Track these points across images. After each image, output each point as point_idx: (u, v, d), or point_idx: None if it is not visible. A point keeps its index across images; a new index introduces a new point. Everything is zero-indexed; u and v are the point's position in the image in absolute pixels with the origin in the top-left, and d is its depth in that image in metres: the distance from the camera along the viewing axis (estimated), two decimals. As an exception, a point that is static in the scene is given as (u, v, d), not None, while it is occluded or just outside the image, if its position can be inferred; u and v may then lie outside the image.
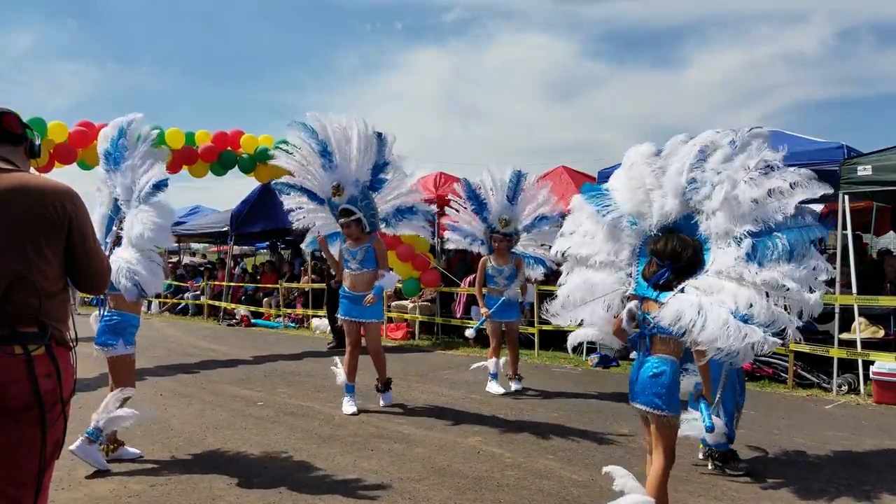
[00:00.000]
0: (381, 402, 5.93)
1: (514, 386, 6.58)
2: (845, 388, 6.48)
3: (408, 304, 10.87)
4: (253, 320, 13.40)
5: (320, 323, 11.72)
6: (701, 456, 4.30)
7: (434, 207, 6.90)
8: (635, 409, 3.20)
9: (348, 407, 5.74)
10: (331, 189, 5.81)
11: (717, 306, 2.92)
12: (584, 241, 3.61)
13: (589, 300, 3.48)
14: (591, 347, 8.52)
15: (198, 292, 15.60)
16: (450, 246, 7.49)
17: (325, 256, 6.03)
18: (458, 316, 10.47)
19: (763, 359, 6.80)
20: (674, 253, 3.14)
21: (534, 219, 6.71)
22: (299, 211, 6.16)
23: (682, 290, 3.06)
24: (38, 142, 2.41)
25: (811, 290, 3.12)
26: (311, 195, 5.97)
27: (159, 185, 4.17)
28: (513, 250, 6.67)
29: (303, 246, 6.54)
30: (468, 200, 6.72)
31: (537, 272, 6.99)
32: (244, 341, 10.84)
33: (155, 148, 4.57)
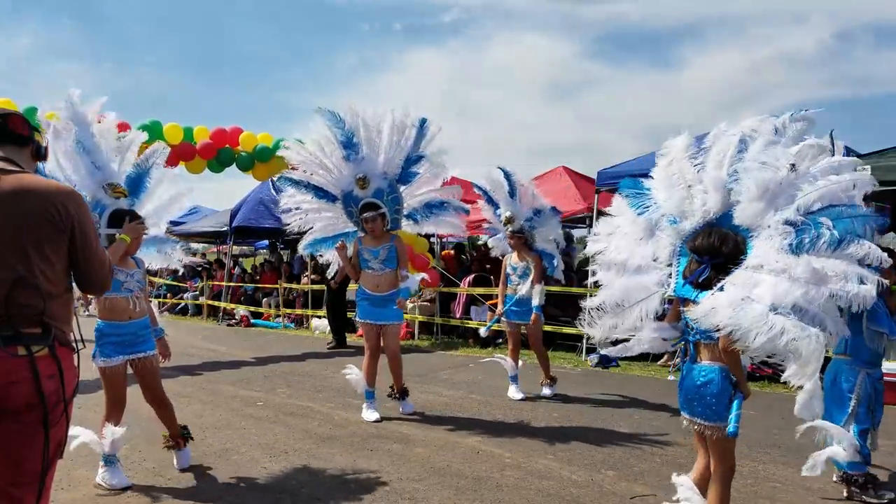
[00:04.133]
0: (402, 410, 5.69)
1: (546, 391, 6.34)
2: (845, 388, 6.47)
3: (407, 304, 10.88)
4: (252, 320, 13.41)
5: (320, 323, 11.72)
6: (835, 478, 3.94)
7: (466, 206, 6.54)
8: (685, 419, 3.05)
9: (370, 414, 5.49)
10: (355, 182, 5.51)
11: (753, 301, 2.68)
12: (622, 244, 3.35)
13: (626, 306, 3.21)
14: (591, 347, 8.53)
15: (197, 292, 15.60)
16: (494, 253, 7.10)
17: (341, 261, 5.68)
18: (458, 316, 10.48)
19: (764, 358, 6.78)
20: (711, 248, 2.93)
21: (531, 213, 6.53)
22: (296, 211, 5.92)
23: (721, 289, 2.84)
24: (44, 144, 2.42)
25: (861, 282, 2.71)
26: (320, 192, 5.70)
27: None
28: (534, 247, 6.47)
29: (300, 248, 6.19)
30: (487, 203, 6.58)
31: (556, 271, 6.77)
32: (244, 341, 10.84)
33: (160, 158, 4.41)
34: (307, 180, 5.71)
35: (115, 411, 4.01)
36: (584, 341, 8.66)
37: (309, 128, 5.75)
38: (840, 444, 3.66)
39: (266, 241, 19.64)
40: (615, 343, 3.34)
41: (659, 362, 8.10)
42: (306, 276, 13.08)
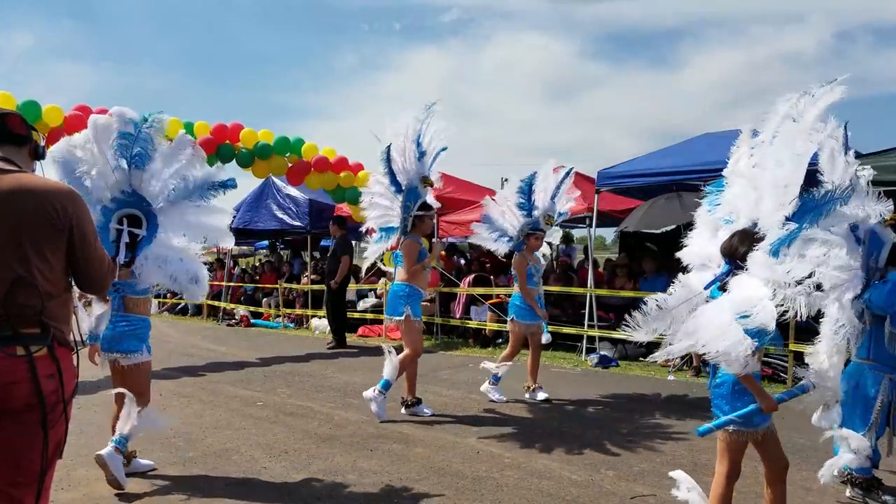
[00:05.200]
0: (427, 413, 5.64)
1: (541, 395, 6.21)
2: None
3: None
4: (252, 320, 13.41)
5: (320, 323, 11.72)
6: (821, 470, 3.79)
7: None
8: None
9: (382, 408, 5.48)
10: (420, 180, 5.66)
11: (720, 311, 2.64)
12: (694, 244, 3.29)
13: (674, 307, 3.00)
14: (591, 348, 8.53)
15: (197, 292, 15.60)
16: (473, 240, 7.06)
17: (434, 257, 5.66)
18: (458, 316, 10.47)
19: (763, 359, 6.77)
20: (730, 250, 2.87)
21: (559, 214, 6.54)
22: (373, 195, 5.89)
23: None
24: (42, 143, 2.42)
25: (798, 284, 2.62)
26: (392, 177, 5.69)
27: (227, 184, 4.13)
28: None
29: (373, 240, 6.07)
30: (520, 194, 6.31)
31: None
32: (243, 341, 10.84)
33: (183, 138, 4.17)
34: (391, 164, 5.68)
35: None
36: (584, 341, 8.66)
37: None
38: (855, 451, 3.59)
39: (266, 242, 19.66)
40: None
41: (660, 363, 8.09)
42: (306, 276, 13.08)
